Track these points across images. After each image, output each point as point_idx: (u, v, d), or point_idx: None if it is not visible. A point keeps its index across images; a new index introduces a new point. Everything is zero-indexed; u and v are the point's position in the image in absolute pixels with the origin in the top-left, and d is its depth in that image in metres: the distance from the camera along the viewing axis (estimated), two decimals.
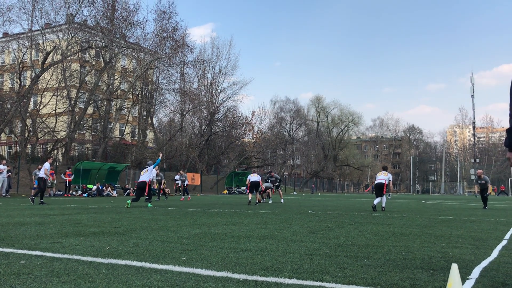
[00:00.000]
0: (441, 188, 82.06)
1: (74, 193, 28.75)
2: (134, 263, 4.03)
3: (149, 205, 14.85)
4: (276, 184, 21.72)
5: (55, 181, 27.45)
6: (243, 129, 55.35)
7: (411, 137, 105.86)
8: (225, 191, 43.32)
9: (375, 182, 14.20)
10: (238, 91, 55.70)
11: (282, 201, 21.22)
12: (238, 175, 48.19)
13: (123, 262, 4.07)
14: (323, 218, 10.02)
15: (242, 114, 70.01)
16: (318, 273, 3.78)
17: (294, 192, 55.97)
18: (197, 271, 3.74)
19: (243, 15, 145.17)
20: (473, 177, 59.81)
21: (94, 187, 29.48)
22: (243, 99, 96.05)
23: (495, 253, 5.03)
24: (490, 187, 17.09)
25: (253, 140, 59.53)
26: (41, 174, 16.29)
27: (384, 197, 13.93)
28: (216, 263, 4.09)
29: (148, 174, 15.42)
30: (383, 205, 13.89)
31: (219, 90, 55.29)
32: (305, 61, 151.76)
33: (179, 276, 3.54)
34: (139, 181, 15.54)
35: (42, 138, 39.62)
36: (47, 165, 16.70)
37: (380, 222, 9.26)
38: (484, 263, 4.39)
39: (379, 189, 13.82)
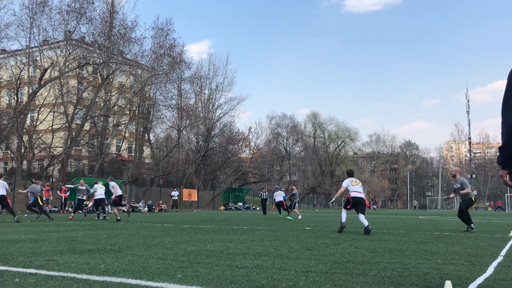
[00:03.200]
0: (438, 204, 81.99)
1: (70, 209, 28.57)
2: (129, 280, 4.02)
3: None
4: (290, 198, 21.88)
5: (50, 197, 27.35)
6: (239, 144, 55.46)
7: (407, 152, 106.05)
8: (222, 207, 43.17)
9: (353, 194, 10.47)
10: (235, 107, 55.85)
11: (300, 217, 20.48)
12: (235, 191, 48.08)
13: (118, 279, 4.06)
14: (320, 235, 10.01)
15: (239, 129, 70.09)
16: None
17: None
18: None
19: (240, 32, 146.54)
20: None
21: (90, 204, 29.29)
22: (240, 114, 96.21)
23: (490, 270, 5.03)
24: (472, 197, 11.71)
25: (250, 156, 59.54)
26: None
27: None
28: (212, 281, 4.09)
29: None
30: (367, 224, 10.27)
31: (216, 106, 55.53)
32: (301, 77, 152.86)
33: None
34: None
35: (38, 154, 39.55)
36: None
37: (376, 238, 9.25)
38: (479, 279, 4.40)
39: (362, 204, 10.47)
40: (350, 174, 11.11)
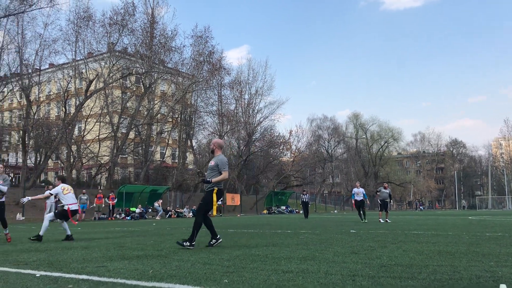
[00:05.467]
0: (488, 203, 78.81)
1: (117, 216, 29.43)
2: (177, 286, 4.09)
3: None
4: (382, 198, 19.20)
5: (102, 205, 28.23)
6: (281, 148, 55.41)
7: (454, 151, 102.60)
8: (265, 211, 43.23)
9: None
10: (275, 110, 56.06)
11: (388, 220, 18.79)
12: (278, 195, 48.04)
13: (166, 285, 4.14)
14: (365, 238, 9.83)
15: (279, 133, 69.92)
16: None
17: (335, 211, 55.16)
18: None
19: (278, 36, 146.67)
20: None
21: (137, 210, 30.11)
22: (280, 118, 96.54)
23: None
24: None
25: (291, 159, 59.39)
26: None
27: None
28: (258, 286, 4.10)
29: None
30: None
31: (256, 111, 55.79)
32: (341, 78, 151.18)
33: None
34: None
35: (86, 163, 41.01)
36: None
37: (424, 240, 9.00)
38: None
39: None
40: None
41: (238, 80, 52.31)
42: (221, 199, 7.22)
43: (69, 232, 10.40)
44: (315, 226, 15.90)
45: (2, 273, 5.00)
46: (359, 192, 18.90)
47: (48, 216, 10.43)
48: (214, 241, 7.83)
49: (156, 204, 31.53)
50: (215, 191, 7.61)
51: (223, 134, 49.08)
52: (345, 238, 9.71)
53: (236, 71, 69.45)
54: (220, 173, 7.64)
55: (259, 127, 54.39)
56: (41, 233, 9.82)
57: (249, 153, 50.96)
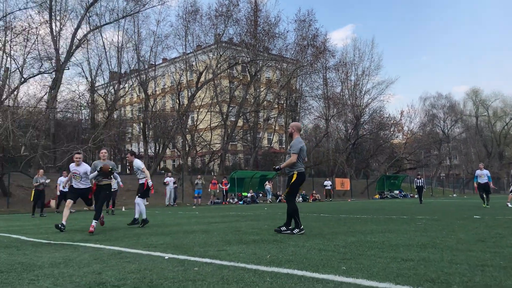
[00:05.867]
0: None
1: (231, 200, 30.70)
2: (296, 271, 4.14)
3: None
4: None
5: (217, 190, 29.47)
6: (391, 130, 53.33)
7: None
8: (377, 196, 42.06)
9: None
10: (384, 91, 53.93)
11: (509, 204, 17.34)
12: (390, 179, 46.42)
13: (285, 270, 4.21)
14: (492, 224, 9.09)
15: (389, 114, 67.45)
16: (494, 287, 3.44)
17: (454, 195, 51.89)
18: (358, 281, 3.69)
19: (383, 12, 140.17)
20: None
21: (249, 195, 31.13)
22: (390, 98, 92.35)
23: None
24: None
25: (403, 141, 56.92)
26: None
27: None
28: (377, 274, 3.99)
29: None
30: None
31: (363, 92, 54.14)
32: (456, 52, 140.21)
33: (341, 287, 3.53)
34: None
35: (200, 151, 43.29)
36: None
37: None
38: None
39: None
40: None
41: (344, 62, 51.16)
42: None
43: (137, 216, 10.67)
44: (433, 211, 15.10)
45: (136, 255, 5.47)
46: (482, 175, 17.51)
47: (138, 200, 10.60)
48: (284, 228, 7.76)
49: (267, 186, 32.26)
50: (295, 174, 7.62)
51: (329, 117, 48.53)
52: (468, 224, 9.07)
53: (341, 52, 68.11)
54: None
55: (367, 109, 52.83)
56: (144, 216, 10.38)
57: (358, 136, 49.80)
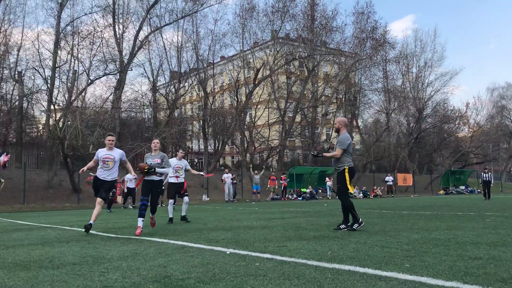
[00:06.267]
0: None
1: (290, 196, 30.71)
2: (358, 268, 4.09)
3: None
4: None
5: (276, 186, 29.63)
6: (456, 123, 51.07)
7: None
8: (441, 191, 40.48)
9: None
10: (447, 82, 51.50)
11: None
12: (455, 174, 44.52)
13: (346, 267, 4.17)
14: None
15: (454, 107, 64.47)
16: None
17: None
18: (423, 279, 3.59)
19: (445, 0, 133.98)
20: None
21: (308, 190, 31.00)
22: (454, 90, 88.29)
23: None
24: None
25: (469, 134, 54.32)
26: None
27: None
28: (443, 272, 3.86)
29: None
30: None
31: (425, 84, 52.13)
32: None
33: (405, 284, 3.45)
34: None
35: (258, 147, 43.60)
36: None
37: None
38: None
39: None
40: None
41: (404, 53, 49.50)
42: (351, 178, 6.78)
43: (184, 213, 10.73)
44: (503, 207, 14.32)
45: (199, 250, 5.63)
46: None
47: (186, 198, 10.76)
48: (343, 226, 7.70)
49: (328, 183, 31.97)
50: (346, 170, 7.64)
51: (390, 111, 47.23)
52: None
53: (401, 44, 66.10)
54: (344, 151, 7.63)
55: (430, 102, 50.85)
56: (183, 213, 10.71)
57: (420, 130, 48.13)
